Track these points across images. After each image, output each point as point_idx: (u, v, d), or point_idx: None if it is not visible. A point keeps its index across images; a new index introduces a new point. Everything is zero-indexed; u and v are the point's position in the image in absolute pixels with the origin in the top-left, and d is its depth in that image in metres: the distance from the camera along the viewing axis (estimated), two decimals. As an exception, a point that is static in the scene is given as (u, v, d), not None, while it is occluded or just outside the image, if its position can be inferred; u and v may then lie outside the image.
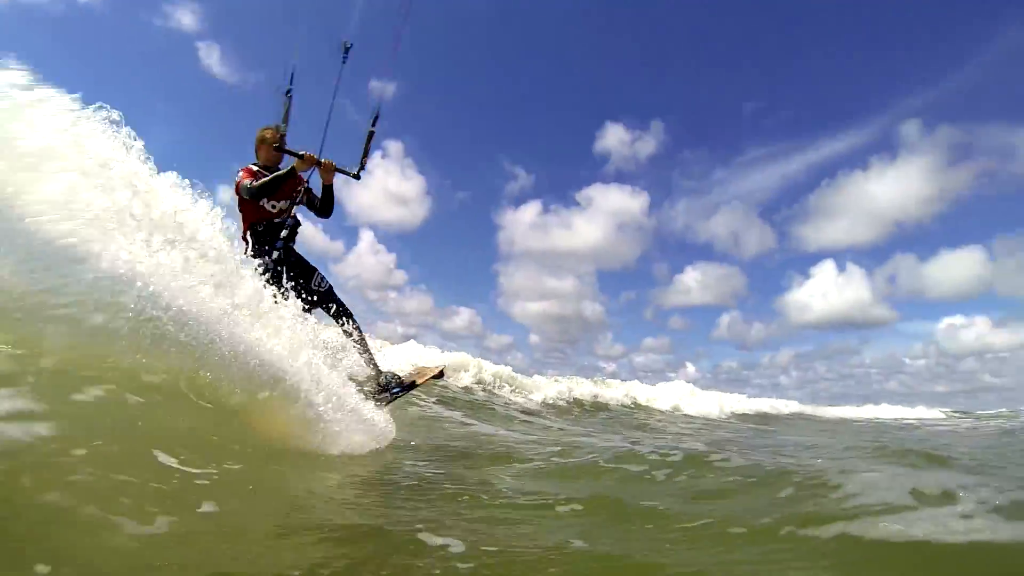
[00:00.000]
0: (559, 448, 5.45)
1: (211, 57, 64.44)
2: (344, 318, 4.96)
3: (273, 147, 4.83)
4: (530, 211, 71.81)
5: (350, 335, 4.94)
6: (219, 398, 3.06)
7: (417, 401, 8.12)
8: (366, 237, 61.91)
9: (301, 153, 4.75)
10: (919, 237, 71.88)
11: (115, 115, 3.17)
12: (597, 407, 15.78)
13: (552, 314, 73.03)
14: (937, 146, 66.49)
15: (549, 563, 2.00)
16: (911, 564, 2.11)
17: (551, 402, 14.36)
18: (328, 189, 5.00)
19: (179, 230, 3.21)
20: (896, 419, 24.35)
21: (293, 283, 4.55)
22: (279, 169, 4.83)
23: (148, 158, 3.29)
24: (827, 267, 64.61)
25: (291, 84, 4.81)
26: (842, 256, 78.29)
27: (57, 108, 2.88)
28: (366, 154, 4.91)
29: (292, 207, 4.90)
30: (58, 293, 2.53)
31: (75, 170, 2.74)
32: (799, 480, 3.22)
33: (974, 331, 62.14)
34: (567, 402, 15.18)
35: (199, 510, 2.07)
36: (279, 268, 4.59)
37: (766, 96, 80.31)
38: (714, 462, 4.04)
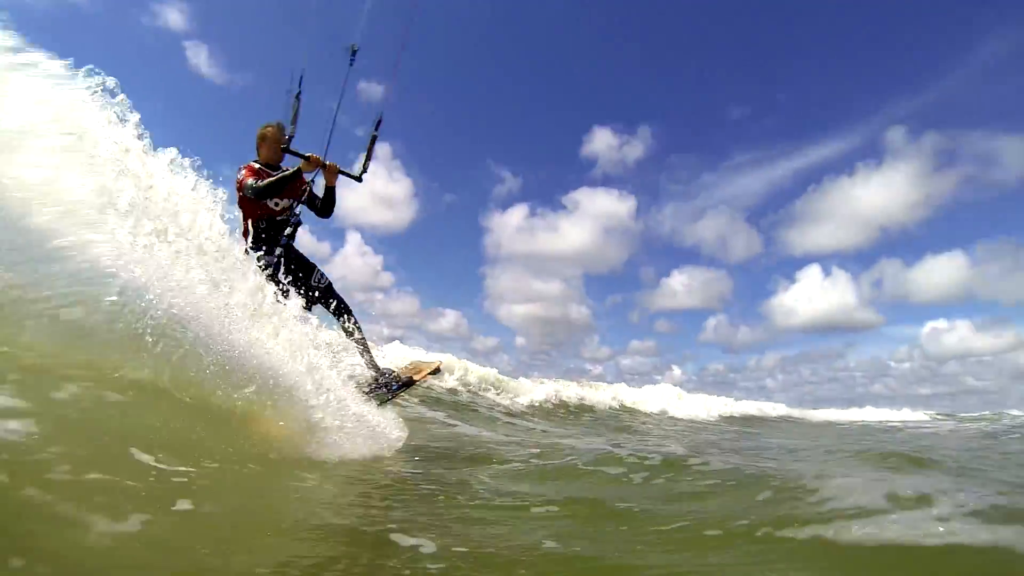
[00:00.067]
0: (539, 450, 5.46)
1: (199, 57, 64.19)
2: (344, 315, 5.00)
3: (280, 149, 4.86)
4: (517, 214, 72.08)
5: (350, 333, 4.98)
6: (202, 397, 3.02)
7: (400, 401, 8.03)
8: (353, 239, 61.63)
9: (307, 155, 4.78)
10: (904, 242, 72.86)
11: (110, 81, 2.94)
12: (583, 409, 15.75)
13: (538, 317, 73.30)
14: (922, 152, 67.33)
15: (519, 564, 2.00)
16: (886, 567, 2.12)
17: (537, 404, 14.31)
18: (331, 191, 5.03)
19: (174, 218, 3.06)
20: (881, 421, 24.54)
21: (293, 279, 4.58)
22: (280, 166, 4.88)
23: (144, 133, 3.08)
24: (813, 271, 65.31)
25: (300, 87, 4.86)
26: (828, 261, 79.37)
27: (43, 74, 2.66)
28: (369, 157, 5.03)
29: (295, 205, 4.94)
30: (38, 287, 2.49)
31: (57, 148, 2.58)
32: (777, 484, 3.24)
33: (957, 335, 62.91)
34: (553, 404, 15.15)
35: (174, 508, 2.06)
36: (280, 265, 4.62)
37: (753, 101, 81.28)
38: (693, 465, 4.06)
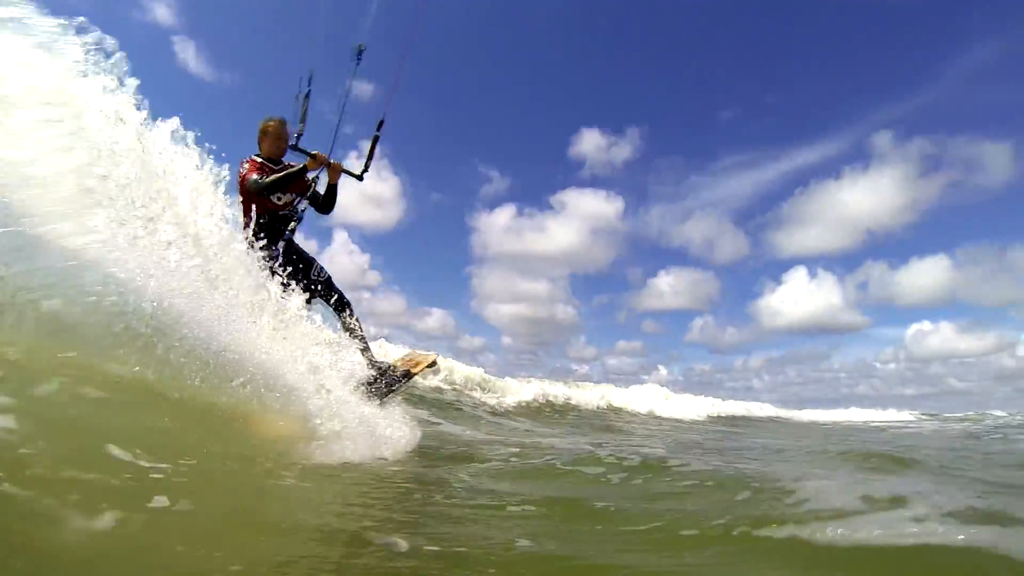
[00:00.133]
0: (520, 449, 5.47)
1: (186, 52, 63.70)
2: (344, 309, 5.05)
3: (289, 146, 4.92)
4: (505, 214, 72.25)
5: (350, 328, 5.02)
6: (185, 393, 2.97)
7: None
8: (340, 237, 61.39)
9: (313, 153, 4.86)
10: (890, 245, 73.68)
11: (108, 42, 2.64)
12: (568, 409, 15.76)
13: (525, 317, 73.58)
14: (908, 157, 68.20)
15: (491, 563, 2.00)
16: (862, 567, 2.13)
17: (523, 404, 14.29)
18: (333, 188, 5.12)
19: (172, 204, 2.89)
20: (867, 422, 24.79)
21: (293, 273, 4.58)
22: (282, 161, 4.95)
23: (142, 101, 2.80)
24: (800, 273, 65.96)
25: (309, 86, 4.91)
26: (814, 263, 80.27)
27: (30, 32, 2.39)
28: (371, 157, 5.18)
29: (298, 201, 5.01)
30: (18, 278, 2.44)
31: (38, 119, 2.39)
32: (756, 484, 3.25)
33: (940, 337, 63.82)
34: (539, 404, 15.13)
35: (149, 505, 2.03)
36: (280, 258, 4.65)
37: (742, 105, 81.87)
38: (672, 466, 4.07)
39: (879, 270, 69.17)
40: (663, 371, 48.19)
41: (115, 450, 2.31)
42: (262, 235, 4.58)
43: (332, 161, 4.95)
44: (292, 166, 4.82)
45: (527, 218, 73.09)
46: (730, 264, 75.66)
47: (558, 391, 17.16)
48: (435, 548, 2.10)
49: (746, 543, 2.33)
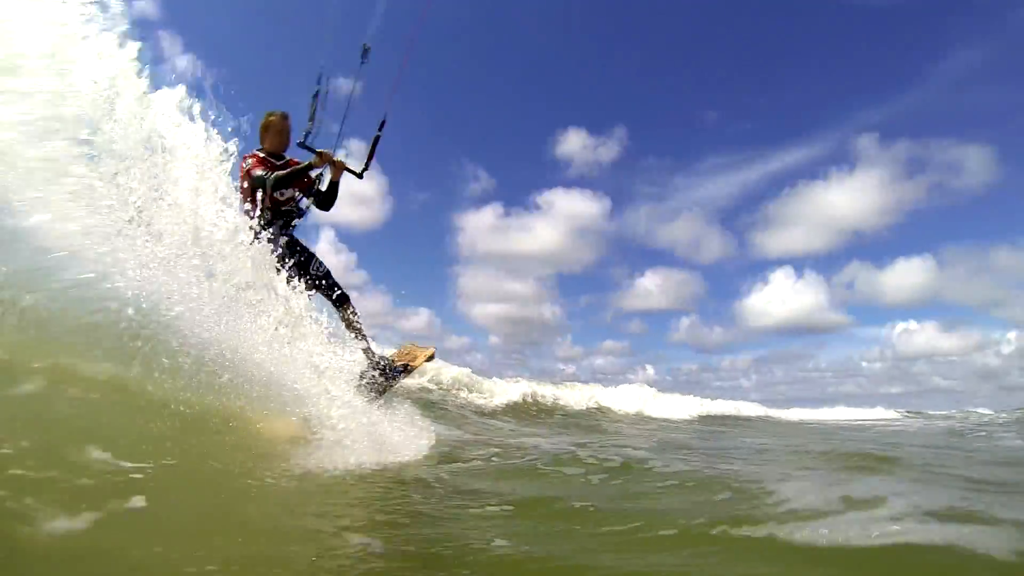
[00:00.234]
0: (501, 449, 5.46)
1: (174, 48, 63.13)
2: (344, 304, 5.07)
3: (298, 144, 4.93)
4: (490, 213, 72.11)
5: (350, 323, 5.03)
6: (167, 394, 2.93)
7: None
8: (327, 236, 60.88)
9: (320, 151, 4.86)
10: (874, 246, 74.28)
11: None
12: (555, 409, 15.70)
13: (511, 316, 73.54)
14: (893, 159, 68.80)
15: (464, 564, 1.99)
16: (840, 565, 2.13)
17: (510, 404, 14.23)
18: (335, 185, 5.15)
19: (173, 185, 2.80)
20: (852, 420, 24.95)
21: (294, 266, 4.58)
22: (284, 156, 4.99)
23: (143, 68, 2.58)
24: (785, 273, 66.30)
25: (319, 85, 4.90)
26: (800, 263, 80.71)
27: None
28: (371, 156, 5.21)
29: (300, 197, 5.05)
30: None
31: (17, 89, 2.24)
32: (737, 485, 3.27)
33: (925, 336, 64.51)
34: (526, 404, 15.07)
35: (127, 505, 2.02)
36: (284, 253, 4.60)
37: (728, 106, 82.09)
38: (654, 467, 4.08)
39: (864, 270, 69.92)
40: (650, 370, 48.16)
41: (95, 450, 2.29)
42: (266, 227, 4.56)
43: (337, 159, 4.98)
44: (295, 161, 4.89)
45: (513, 217, 73.11)
46: (716, 264, 76.06)
47: (546, 391, 17.07)
48: (411, 548, 2.09)
49: (724, 543, 2.33)
